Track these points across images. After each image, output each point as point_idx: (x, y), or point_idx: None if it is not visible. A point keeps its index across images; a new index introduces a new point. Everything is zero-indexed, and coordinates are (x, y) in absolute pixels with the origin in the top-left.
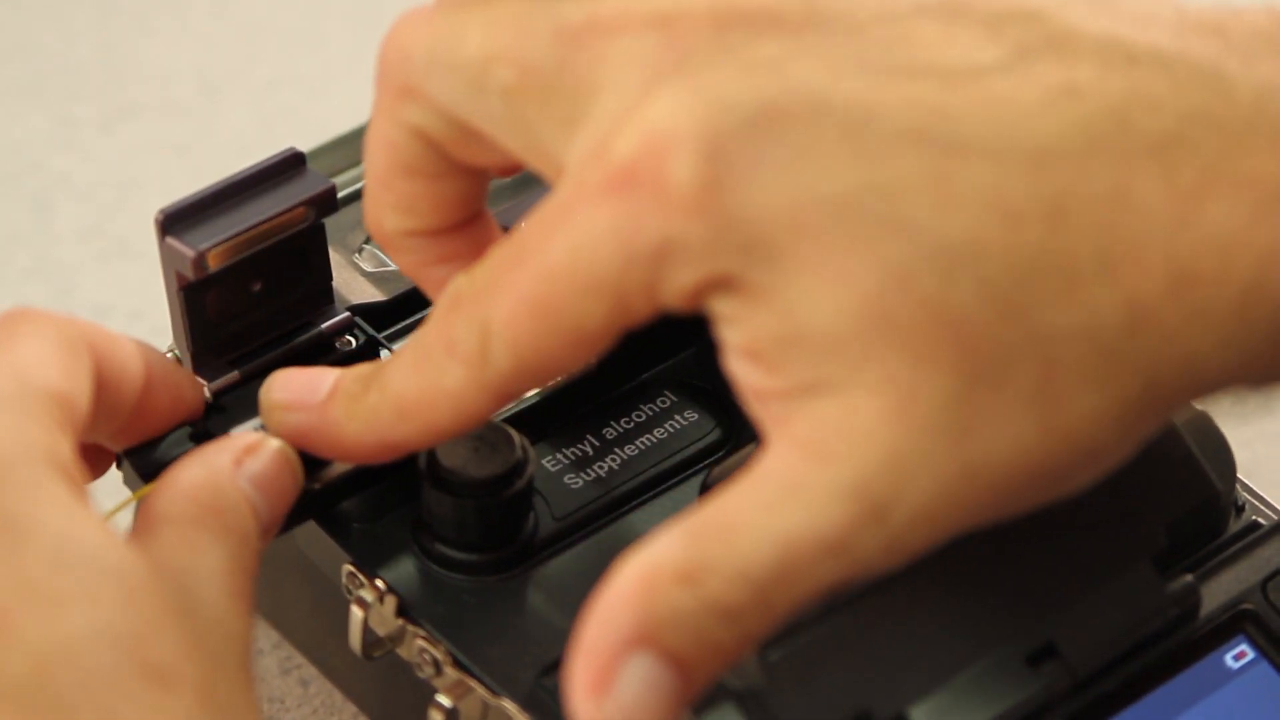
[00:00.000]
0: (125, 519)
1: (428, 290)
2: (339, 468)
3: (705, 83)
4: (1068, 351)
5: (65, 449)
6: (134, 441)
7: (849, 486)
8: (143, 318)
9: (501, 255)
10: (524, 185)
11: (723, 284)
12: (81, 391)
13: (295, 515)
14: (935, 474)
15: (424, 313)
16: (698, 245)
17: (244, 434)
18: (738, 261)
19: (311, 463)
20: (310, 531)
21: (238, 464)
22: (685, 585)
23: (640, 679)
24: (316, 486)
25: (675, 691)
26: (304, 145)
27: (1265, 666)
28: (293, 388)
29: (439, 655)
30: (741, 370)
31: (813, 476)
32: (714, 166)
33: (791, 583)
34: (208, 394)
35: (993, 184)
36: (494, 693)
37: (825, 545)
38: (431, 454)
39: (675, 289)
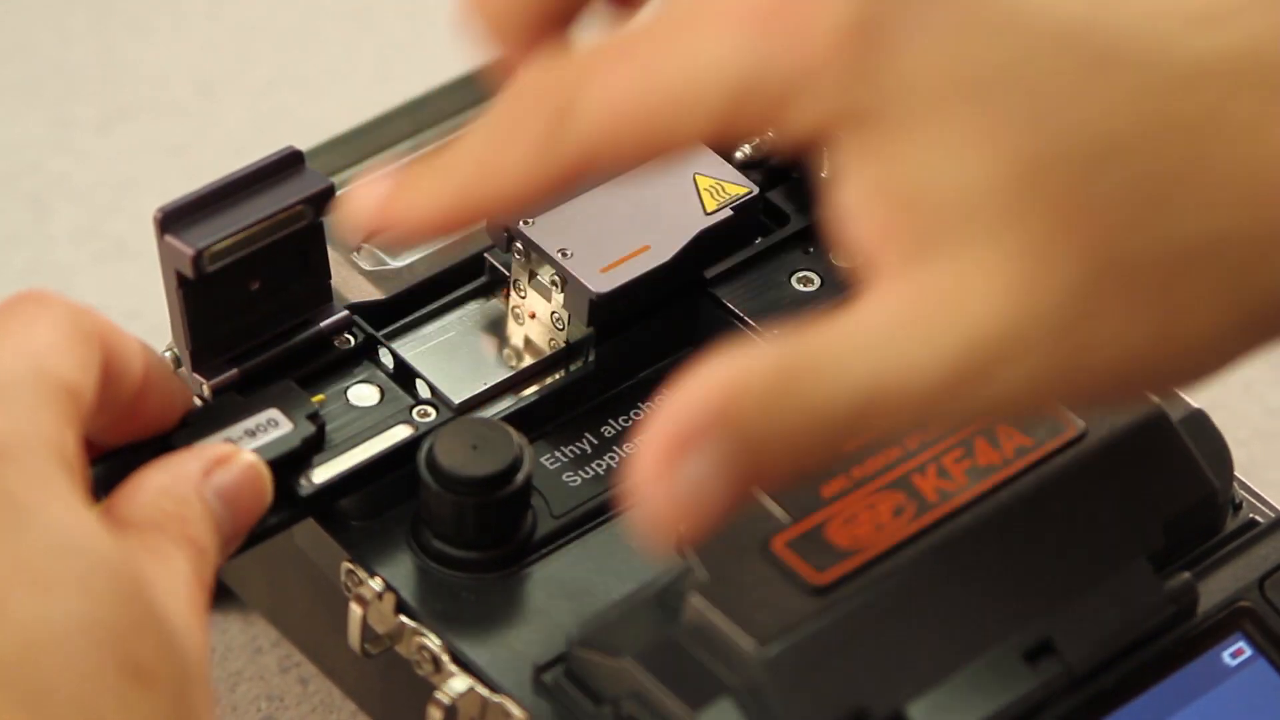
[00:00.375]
0: None
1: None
2: (335, 467)
3: None
4: (1198, 264)
5: (71, 442)
6: (117, 441)
7: (955, 349)
8: (139, 318)
9: (604, 48)
10: None
11: (859, 120)
12: (90, 385)
13: (295, 514)
14: (1043, 356)
15: (422, 310)
16: (833, 85)
17: (216, 445)
18: (880, 103)
19: (294, 468)
20: (309, 529)
21: (207, 474)
22: (773, 393)
23: (714, 459)
24: (309, 487)
25: (742, 480)
26: (301, 145)
27: (1263, 664)
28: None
29: (438, 652)
30: (862, 210)
31: (919, 331)
32: (869, 12)
33: (867, 426)
34: (207, 392)
35: (1142, 92)
36: (493, 689)
37: (914, 399)
38: (430, 451)
39: (797, 123)
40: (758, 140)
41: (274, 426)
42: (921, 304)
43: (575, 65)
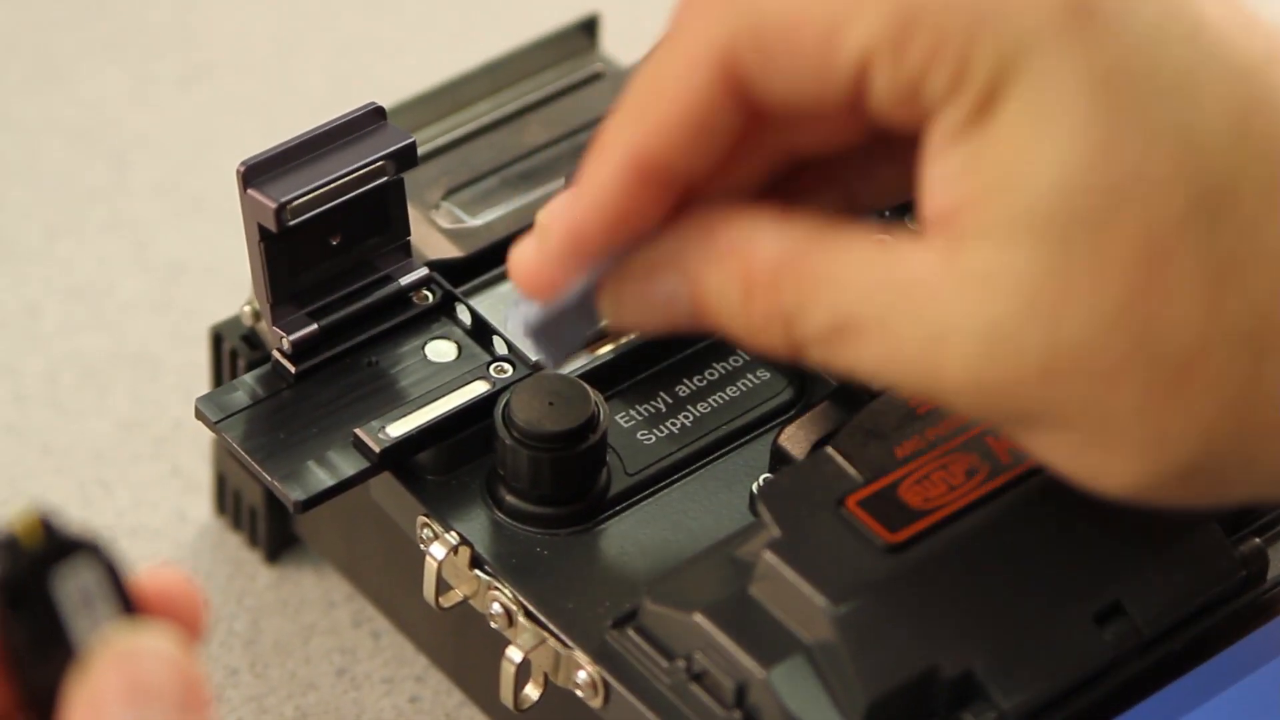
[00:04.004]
0: None
1: None
2: (412, 421)
3: None
4: (1227, 363)
5: None
6: None
7: (983, 330)
8: (217, 273)
9: None
10: None
11: (990, 90)
12: None
13: (372, 468)
14: (1015, 359)
15: (500, 268)
16: (1016, 35)
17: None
18: (1044, 73)
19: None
20: (385, 483)
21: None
22: (747, 285)
23: (667, 293)
24: (386, 440)
25: (686, 319)
26: (382, 104)
27: None
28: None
29: (511, 607)
30: (951, 176)
31: (952, 302)
32: None
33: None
34: (287, 345)
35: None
36: (566, 644)
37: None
38: (507, 407)
39: (955, 60)
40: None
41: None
42: (943, 274)
43: None
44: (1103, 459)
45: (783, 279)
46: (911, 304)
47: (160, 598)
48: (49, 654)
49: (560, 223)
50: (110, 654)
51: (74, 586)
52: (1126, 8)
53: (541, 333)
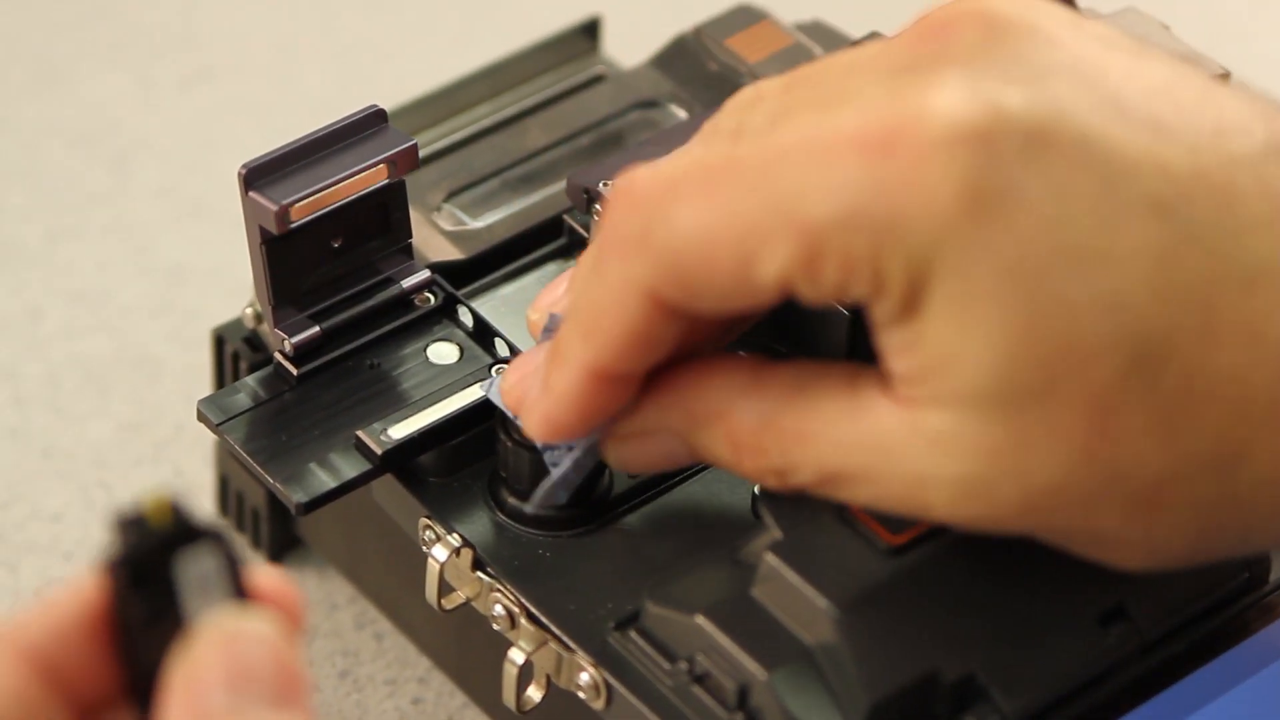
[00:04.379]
0: None
1: None
2: (414, 424)
3: (980, 83)
4: (1195, 482)
5: None
6: None
7: (957, 482)
8: (219, 276)
9: (700, 166)
10: (602, 147)
11: (928, 278)
12: None
13: (374, 470)
14: (996, 501)
15: (501, 271)
16: (921, 244)
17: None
18: (956, 271)
19: None
20: (387, 485)
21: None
22: (735, 446)
23: (666, 450)
24: (387, 443)
25: (690, 462)
26: (383, 107)
27: None
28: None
29: (513, 609)
30: (895, 353)
31: (923, 459)
32: (981, 178)
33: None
34: (288, 347)
35: (1207, 286)
36: (568, 646)
37: (921, 508)
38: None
39: (884, 265)
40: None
41: None
42: (927, 438)
43: (660, 186)
44: (1105, 558)
45: (765, 442)
46: (887, 461)
47: (265, 594)
48: (160, 634)
49: (535, 414)
50: (215, 633)
51: (194, 571)
52: (1022, 187)
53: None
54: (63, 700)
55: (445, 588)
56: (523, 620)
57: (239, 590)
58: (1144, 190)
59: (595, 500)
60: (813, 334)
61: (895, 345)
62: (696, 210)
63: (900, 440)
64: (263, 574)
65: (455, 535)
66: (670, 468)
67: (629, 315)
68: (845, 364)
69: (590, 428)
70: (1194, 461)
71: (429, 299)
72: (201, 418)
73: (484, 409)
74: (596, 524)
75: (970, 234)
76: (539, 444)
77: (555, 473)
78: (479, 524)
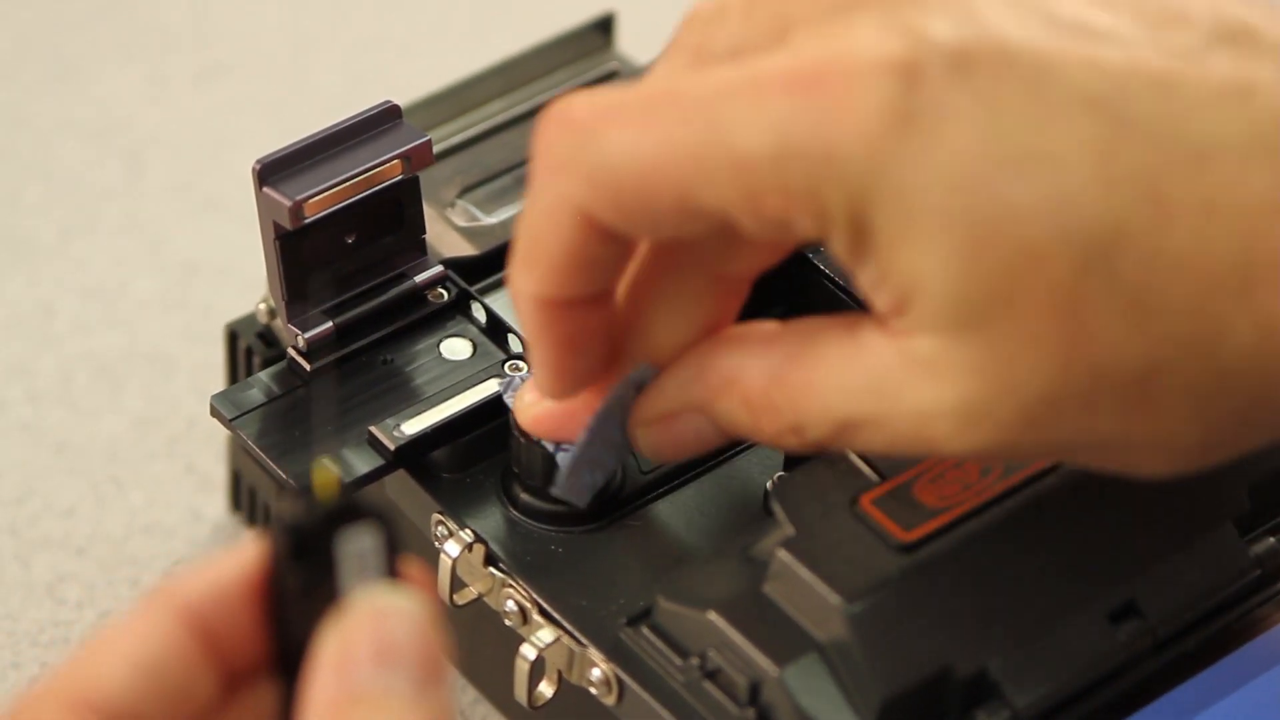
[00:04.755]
0: None
1: None
2: (427, 419)
3: (905, 17)
4: (1180, 365)
5: None
6: None
7: (927, 409)
8: (232, 272)
9: (628, 101)
10: None
11: (872, 208)
12: None
13: (388, 465)
14: (999, 423)
15: None
16: (865, 169)
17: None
18: (895, 196)
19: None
20: (400, 481)
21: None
22: (751, 409)
23: (692, 429)
24: (400, 438)
25: (718, 441)
26: (400, 103)
27: None
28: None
29: (526, 604)
30: (870, 291)
31: (896, 387)
32: (907, 102)
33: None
34: (302, 343)
35: (1153, 170)
36: (580, 642)
37: (880, 437)
38: None
39: (818, 202)
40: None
41: None
42: (905, 367)
43: (596, 111)
44: (1120, 465)
45: (776, 399)
46: (889, 400)
47: (415, 582)
48: (313, 607)
49: (522, 400)
50: (367, 608)
51: (354, 550)
52: (950, 104)
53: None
54: (212, 662)
55: (457, 583)
56: (535, 616)
57: (393, 573)
58: (1075, 89)
59: (607, 496)
60: None
61: (868, 282)
62: (633, 136)
63: (898, 376)
64: (412, 563)
65: (468, 531)
66: (701, 449)
67: (564, 235)
68: (847, 313)
69: (569, 382)
70: (1173, 345)
71: (442, 295)
72: (214, 413)
73: (497, 404)
74: (609, 520)
75: (902, 155)
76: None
77: (563, 461)
78: (491, 520)
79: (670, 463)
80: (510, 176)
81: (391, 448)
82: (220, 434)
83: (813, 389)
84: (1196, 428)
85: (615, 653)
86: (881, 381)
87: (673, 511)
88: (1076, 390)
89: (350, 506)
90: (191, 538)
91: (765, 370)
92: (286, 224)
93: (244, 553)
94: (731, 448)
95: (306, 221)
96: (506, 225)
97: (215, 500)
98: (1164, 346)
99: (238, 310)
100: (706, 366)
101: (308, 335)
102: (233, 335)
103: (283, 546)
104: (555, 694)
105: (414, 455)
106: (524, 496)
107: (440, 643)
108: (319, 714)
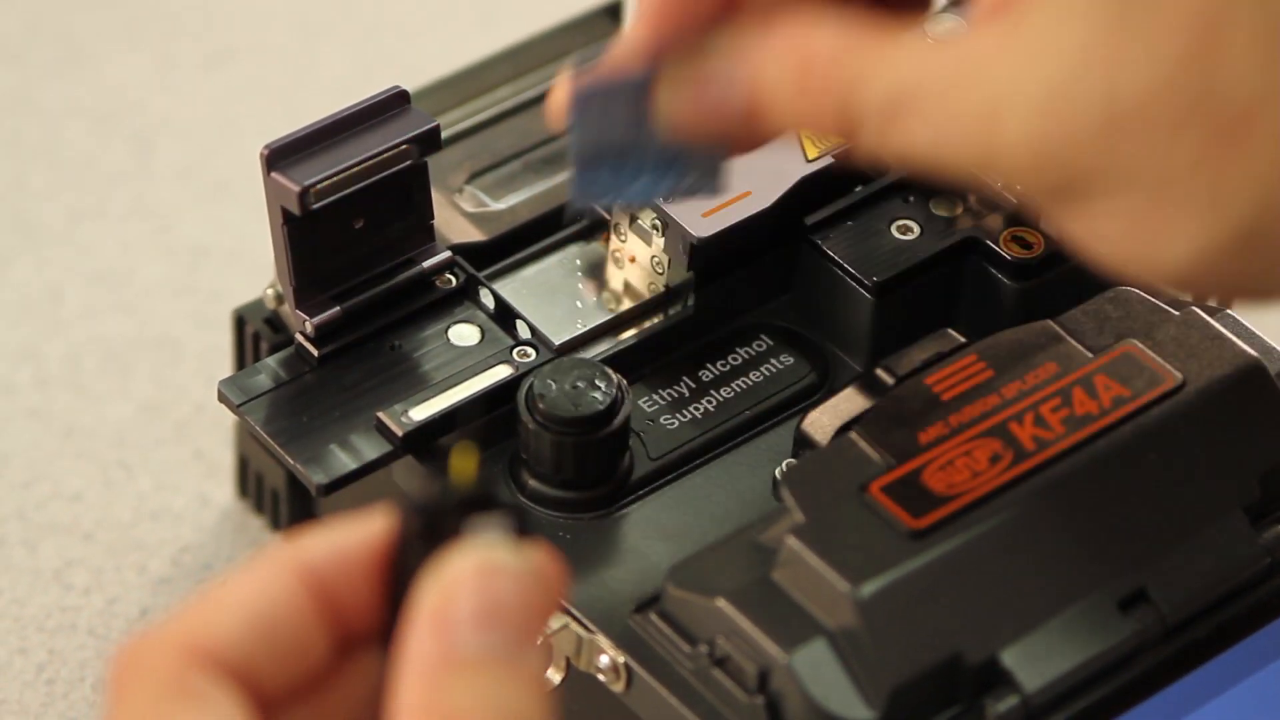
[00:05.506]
0: None
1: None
2: (435, 405)
3: None
4: None
5: None
6: None
7: (1041, 91)
8: (240, 257)
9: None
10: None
11: None
12: None
13: (396, 451)
14: (1074, 116)
15: (523, 253)
16: None
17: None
18: None
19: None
20: (407, 466)
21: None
22: (803, 79)
23: (723, 83)
24: (408, 424)
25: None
26: (408, 88)
27: None
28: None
29: None
30: None
31: (1007, 69)
32: None
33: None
34: (309, 329)
35: None
36: (588, 629)
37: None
38: (530, 391)
39: None
40: None
41: None
42: (1021, 49)
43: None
44: (1158, 225)
45: (842, 58)
46: (969, 75)
47: None
48: None
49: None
50: (473, 564)
51: (482, 536)
52: None
53: (586, 146)
54: (327, 625)
55: None
56: None
57: None
58: None
59: (616, 483)
60: (836, 316)
61: None
62: None
63: (989, 53)
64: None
65: None
66: (714, 128)
67: None
68: None
69: (661, 35)
70: None
71: (450, 280)
72: (222, 398)
73: (505, 390)
74: (617, 506)
75: None
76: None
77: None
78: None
79: (683, 145)
80: (519, 162)
81: (399, 433)
82: (228, 419)
83: (883, 56)
84: (1256, 202)
85: (623, 640)
86: (965, 60)
87: (681, 498)
88: (1173, 106)
89: (485, 495)
90: (199, 523)
91: (839, 33)
92: (294, 209)
93: (371, 523)
94: (716, 328)
95: (314, 207)
96: (515, 211)
97: (223, 486)
98: (1278, 94)
99: (246, 295)
100: (776, 23)
101: (315, 321)
102: (240, 320)
103: (412, 523)
104: (563, 680)
105: (422, 441)
106: (532, 483)
107: (545, 604)
108: (415, 673)
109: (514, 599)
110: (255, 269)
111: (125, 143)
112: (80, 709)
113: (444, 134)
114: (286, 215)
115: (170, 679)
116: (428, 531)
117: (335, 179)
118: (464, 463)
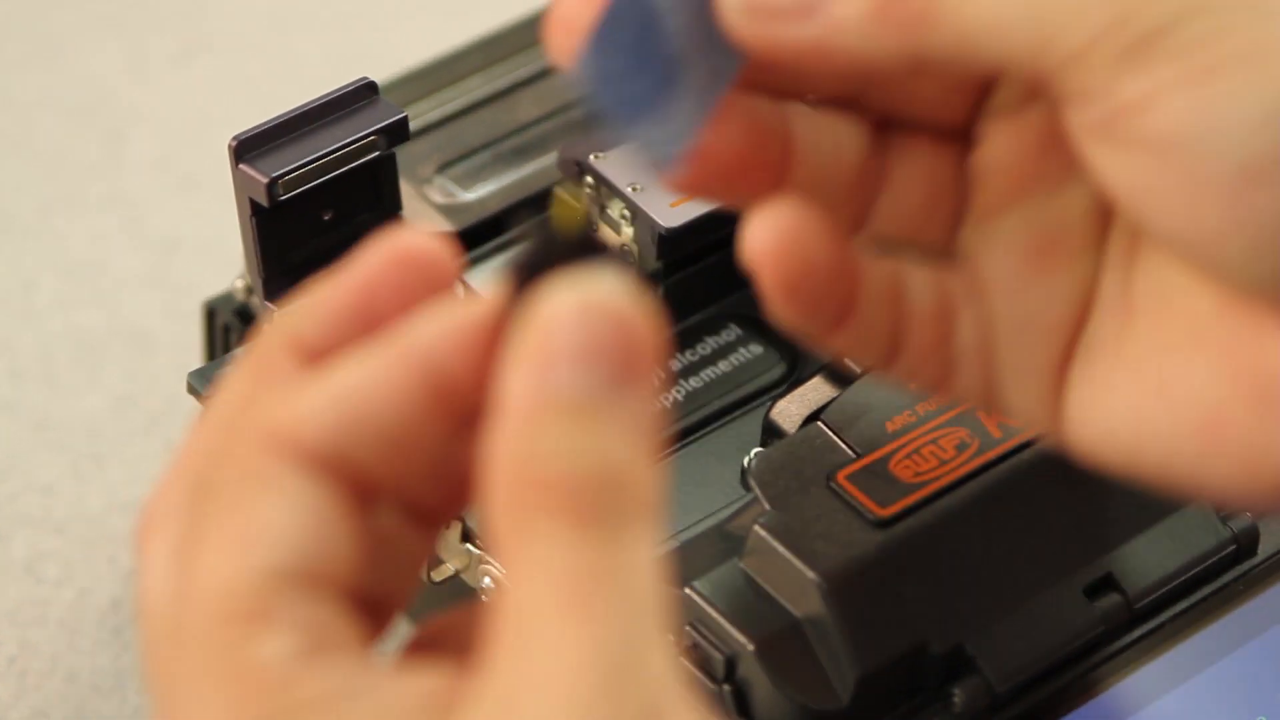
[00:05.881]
0: None
1: None
2: None
3: None
4: None
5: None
6: None
7: None
8: (212, 249)
9: None
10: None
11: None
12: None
13: None
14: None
15: (492, 243)
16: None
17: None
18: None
19: None
20: None
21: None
22: None
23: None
24: None
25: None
26: (375, 80)
27: None
28: None
29: (504, 581)
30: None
31: None
32: None
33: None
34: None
35: None
36: None
37: None
38: None
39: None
40: None
41: None
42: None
43: None
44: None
45: None
46: None
47: None
48: None
49: None
50: (572, 300)
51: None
52: None
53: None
54: (441, 410)
55: (434, 560)
56: None
57: None
58: None
59: None
60: None
61: None
62: None
63: None
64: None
65: None
66: (781, 43)
67: None
68: None
69: None
70: None
71: None
72: (192, 390)
73: None
74: None
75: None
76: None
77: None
78: None
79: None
80: (488, 153)
81: None
82: (198, 411)
83: None
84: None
85: None
86: None
87: None
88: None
89: (590, 243)
90: None
91: None
92: (263, 201)
93: (482, 298)
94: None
95: (282, 198)
96: (485, 202)
97: None
98: None
99: (218, 287)
100: None
101: None
102: (210, 312)
103: (518, 281)
104: None
105: None
106: None
107: (650, 350)
108: (510, 416)
109: (617, 338)
110: (228, 261)
111: (97, 135)
112: (52, 701)
113: (413, 125)
114: (255, 207)
115: (248, 466)
116: (534, 285)
117: (303, 170)
118: (568, 209)
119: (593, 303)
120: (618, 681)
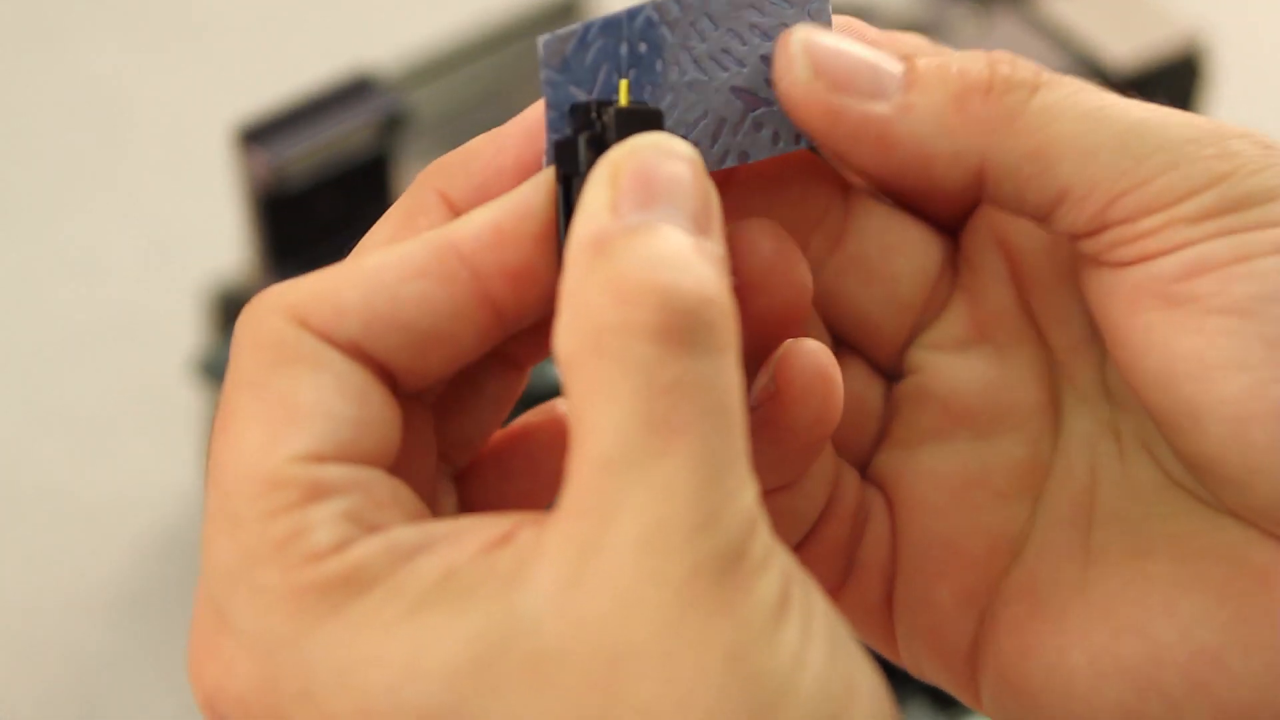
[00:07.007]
0: None
1: None
2: None
3: None
4: None
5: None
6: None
7: None
8: (211, 236)
9: None
10: None
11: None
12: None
13: None
14: None
15: None
16: None
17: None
18: None
19: None
20: None
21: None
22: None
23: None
24: None
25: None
26: (375, 70)
27: None
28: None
29: None
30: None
31: None
32: None
33: None
34: None
35: None
36: None
37: None
38: None
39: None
40: None
41: None
42: None
43: None
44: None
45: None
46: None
47: None
48: None
49: None
50: (641, 147)
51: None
52: None
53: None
54: (491, 310)
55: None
56: None
57: None
58: None
59: None
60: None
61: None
62: None
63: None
64: None
65: None
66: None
67: None
68: None
69: None
70: None
71: None
72: (192, 378)
73: None
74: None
75: None
76: None
77: None
78: None
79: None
80: None
81: None
82: (198, 399)
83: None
84: None
85: None
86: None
87: None
88: None
89: (647, 109)
90: (167, 500)
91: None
92: (266, 187)
93: (526, 191)
94: None
95: (285, 185)
96: None
97: (191, 463)
98: None
99: (217, 274)
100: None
101: None
102: (211, 298)
103: (563, 158)
104: None
105: None
106: None
107: (716, 199)
108: (581, 240)
109: (691, 183)
110: (227, 248)
111: (95, 122)
112: (58, 686)
113: (414, 114)
114: (258, 194)
115: (282, 342)
116: (578, 163)
117: (306, 158)
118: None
119: (665, 147)
120: (710, 514)
